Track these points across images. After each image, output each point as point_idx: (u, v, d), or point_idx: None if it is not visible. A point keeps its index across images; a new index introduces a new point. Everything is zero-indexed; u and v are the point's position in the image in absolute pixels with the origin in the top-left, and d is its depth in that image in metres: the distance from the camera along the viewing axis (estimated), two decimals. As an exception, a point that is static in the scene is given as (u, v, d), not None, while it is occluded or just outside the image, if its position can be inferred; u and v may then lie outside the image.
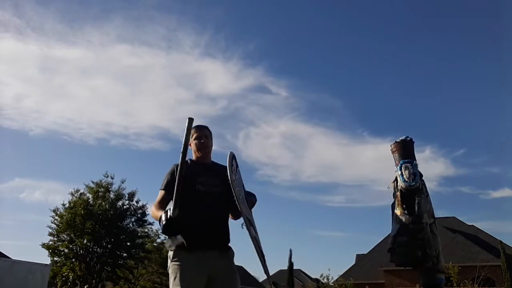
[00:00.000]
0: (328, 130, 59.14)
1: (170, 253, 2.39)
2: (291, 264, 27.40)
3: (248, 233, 2.41)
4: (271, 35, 58.10)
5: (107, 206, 21.22)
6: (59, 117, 46.05)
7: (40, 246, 19.94)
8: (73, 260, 20.11)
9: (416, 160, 3.57)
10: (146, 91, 50.13)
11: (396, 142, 3.65)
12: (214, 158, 2.73)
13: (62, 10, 48.24)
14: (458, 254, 22.80)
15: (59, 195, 75.66)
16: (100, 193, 21.49)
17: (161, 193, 2.48)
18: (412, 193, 3.41)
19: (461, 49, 51.51)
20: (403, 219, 3.40)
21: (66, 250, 20.33)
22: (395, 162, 3.59)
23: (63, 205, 20.78)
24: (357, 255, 33.16)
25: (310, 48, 56.39)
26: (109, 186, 21.84)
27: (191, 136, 2.58)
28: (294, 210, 63.56)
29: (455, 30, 51.75)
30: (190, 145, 2.64)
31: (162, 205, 2.43)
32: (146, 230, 23.45)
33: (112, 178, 21.95)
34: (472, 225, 29.12)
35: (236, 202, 2.38)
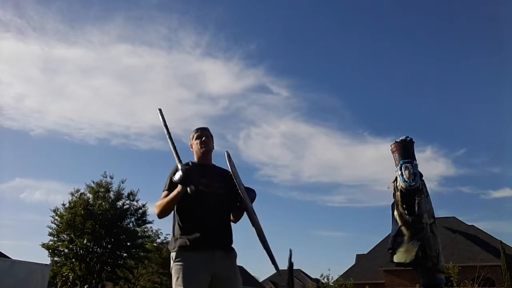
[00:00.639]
0: (329, 130, 59.30)
1: (173, 254, 2.39)
2: (291, 264, 27.42)
3: (250, 222, 2.43)
4: (272, 35, 58.20)
5: (107, 206, 21.22)
6: (60, 117, 46.14)
7: (40, 246, 19.94)
8: (73, 260, 20.08)
9: (416, 160, 3.56)
10: (147, 91, 50.20)
11: (396, 142, 3.64)
12: (214, 157, 2.74)
13: (63, 9, 48.34)
14: (458, 254, 22.80)
15: (60, 195, 75.79)
16: (100, 193, 21.50)
17: (164, 194, 2.47)
18: (412, 193, 3.40)
19: (462, 49, 51.57)
20: (403, 219, 3.40)
21: (66, 250, 20.30)
22: (395, 162, 3.59)
23: (63, 205, 20.79)
24: (357, 255, 33.15)
25: (311, 48, 56.50)
26: (109, 186, 21.86)
27: (192, 138, 2.66)
28: (294, 210, 63.71)
29: (456, 31, 51.80)
30: (191, 146, 2.68)
31: None
32: (146, 230, 23.46)
33: (112, 178, 21.99)
34: (472, 225, 29.13)
35: (239, 191, 2.41)
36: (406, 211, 3.41)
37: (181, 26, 54.30)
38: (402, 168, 3.46)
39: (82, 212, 19.89)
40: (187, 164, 2.45)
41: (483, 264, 18.47)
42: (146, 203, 22.38)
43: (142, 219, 22.44)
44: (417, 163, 3.54)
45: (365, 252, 31.34)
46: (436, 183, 41.01)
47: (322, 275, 26.61)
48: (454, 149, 56.69)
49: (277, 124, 55.15)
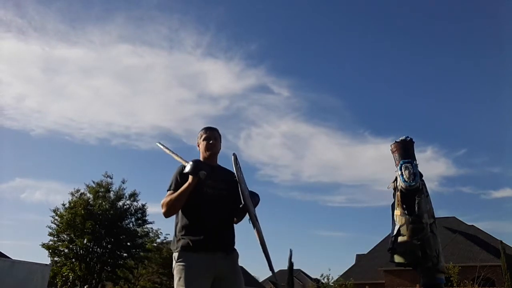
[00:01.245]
0: (329, 130, 59.29)
1: (175, 254, 2.39)
2: (291, 264, 27.43)
3: (252, 228, 2.43)
4: (273, 35, 58.24)
5: (107, 206, 21.21)
6: (60, 117, 46.16)
7: (40, 246, 19.91)
8: (73, 260, 20.07)
9: (416, 160, 3.57)
10: (148, 91, 50.29)
11: (396, 142, 3.64)
12: (219, 157, 2.73)
13: (63, 10, 48.37)
14: (458, 254, 22.80)
15: (60, 195, 75.81)
16: (100, 193, 21.50)
17: (169, 193, 2.45)
18: (412, 193, 3.40)
19: (462, 49, 51.58)
20: (403, 219, 3.40)
21: (66, 250, 20.28)
22: (395, 162, 3.59)
23: (63, 205, 20.77)
24: (357, 255, 33.15)
25: (311, 48, 56.53)
26: (110, 186, 21.85)
27: (199, 137, 2.68)
28: (294, 210, 63.72)
29: (456, 31, 51.80)
30: (198, 145, 2.69)
31: None
32: (146, 230, 23.43)
33: (111, 178, 21.97)
34: (472, 225, 29.12)
35: (242, 198, 2.40)
36: (406, 211, 3.41)
37: (182, 26, 54.39)
38: (402, 168, 3.46)
39: (82, 212, 19.87)
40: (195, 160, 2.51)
41: (483, 264, 18.47)
42: (146, 203, 22.45)
43: (142, 219, 22.45)
44: (417, 163, 3.54)
45: (365, 252, 31.33)
46: (437, 183, 41.07)
47: (322, 275, 26.67)
48: (455, 149, 56.75)
49: (277, 124, 55.24)
